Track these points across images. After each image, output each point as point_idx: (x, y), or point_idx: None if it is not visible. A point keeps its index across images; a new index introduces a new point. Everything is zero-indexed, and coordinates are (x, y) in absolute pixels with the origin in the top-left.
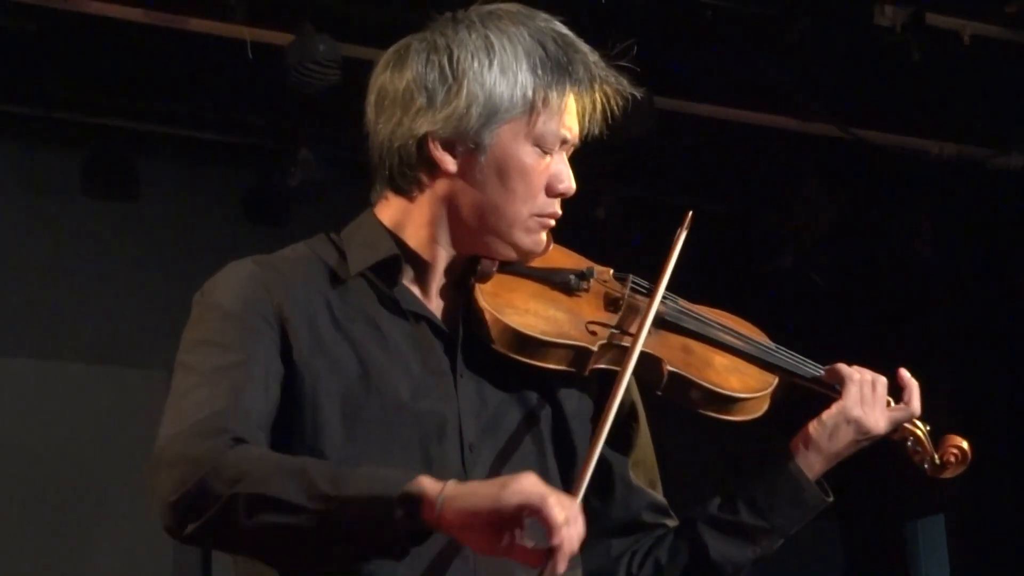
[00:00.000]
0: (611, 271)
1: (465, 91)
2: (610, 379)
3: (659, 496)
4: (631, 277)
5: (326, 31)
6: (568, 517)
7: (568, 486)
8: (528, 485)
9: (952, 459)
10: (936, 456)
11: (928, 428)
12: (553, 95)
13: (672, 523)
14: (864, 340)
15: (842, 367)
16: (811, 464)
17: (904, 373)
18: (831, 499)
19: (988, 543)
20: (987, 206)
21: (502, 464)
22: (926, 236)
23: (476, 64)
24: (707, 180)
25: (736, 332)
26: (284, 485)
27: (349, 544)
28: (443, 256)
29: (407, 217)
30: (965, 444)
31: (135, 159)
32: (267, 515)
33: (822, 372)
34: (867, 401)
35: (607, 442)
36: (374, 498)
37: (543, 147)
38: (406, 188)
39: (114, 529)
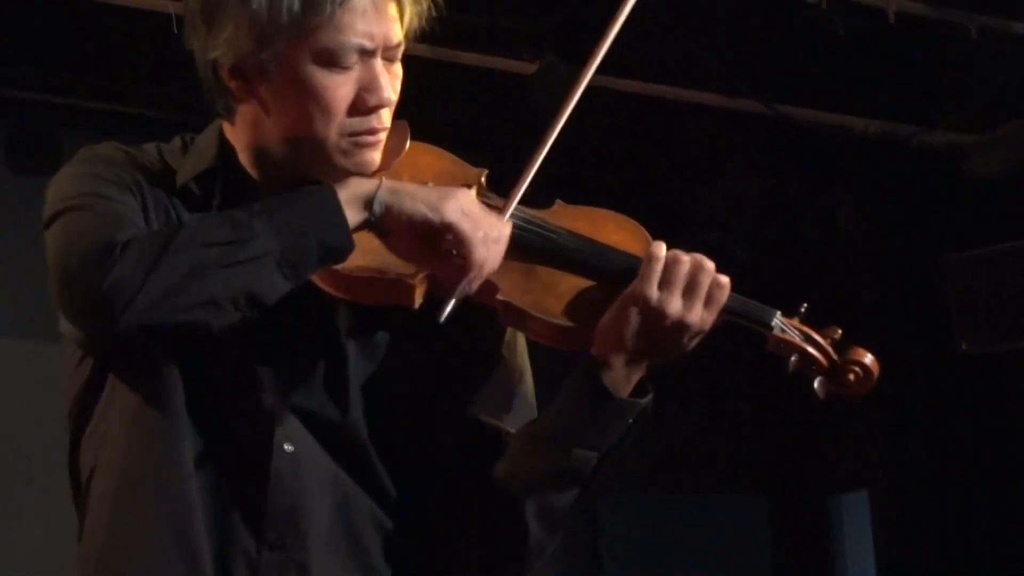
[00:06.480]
0: (484, 175)
1: (229, 13)
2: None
3: None
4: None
5: None
6: (489, 237)
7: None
8: (465, 204)
9: (852, 379)
10: (837, 374)
11: (808, 332)
12: (326, 5)
13: None
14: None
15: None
16: (606, 355)
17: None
18: (645, 399)
19: (911, 518)
20: (912, 183)
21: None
22: (850, 213)
23: None
24: (632, 156)
25: (595, 244)
26: (215, 231)
27: (301, 261)
28: (273, 178)
29: (235, 138)
30: (869, 358)
31: (59, 133)
32: (211, 260)
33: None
34: (671, 281)
35: (487, 412)
36: (322, 203)
37: (335, 63)
38: (223, 111)
39: (38, 502)
